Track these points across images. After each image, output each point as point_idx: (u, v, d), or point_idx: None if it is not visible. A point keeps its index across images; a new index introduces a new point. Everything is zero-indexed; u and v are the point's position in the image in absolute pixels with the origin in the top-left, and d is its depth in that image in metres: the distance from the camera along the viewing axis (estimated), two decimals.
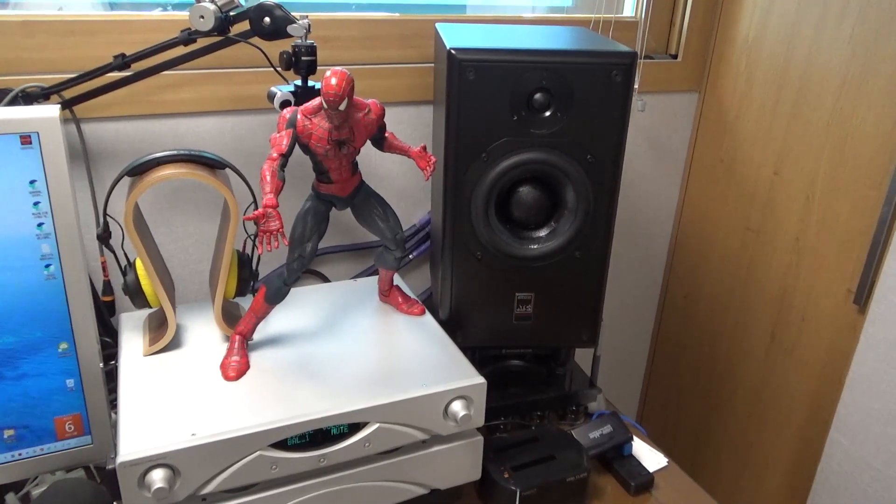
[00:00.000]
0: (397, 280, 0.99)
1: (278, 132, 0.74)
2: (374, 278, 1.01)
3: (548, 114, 0.85)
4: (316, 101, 0.75)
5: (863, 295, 1.05)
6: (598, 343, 0.98)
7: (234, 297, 0.86)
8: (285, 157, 0.73)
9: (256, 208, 0.83)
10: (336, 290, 1.00)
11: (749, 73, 1.21)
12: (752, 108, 1.21)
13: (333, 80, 0.71)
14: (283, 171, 0.73)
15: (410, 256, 1.16)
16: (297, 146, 0.75)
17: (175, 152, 0.78)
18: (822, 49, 1.08)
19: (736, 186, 1.26)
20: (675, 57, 1.28)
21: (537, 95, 0.84)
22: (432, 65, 1.08)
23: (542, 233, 0.92)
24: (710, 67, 1.29)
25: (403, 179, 1.15)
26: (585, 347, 0.99)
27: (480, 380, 0.79)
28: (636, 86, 0.99)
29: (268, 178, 0.71)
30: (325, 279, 1.14)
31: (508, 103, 0.84)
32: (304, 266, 0.81)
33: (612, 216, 0.91)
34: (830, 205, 1.10)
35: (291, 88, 0.89)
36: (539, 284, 0.93)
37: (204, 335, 0.87)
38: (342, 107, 0.72)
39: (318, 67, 0.89)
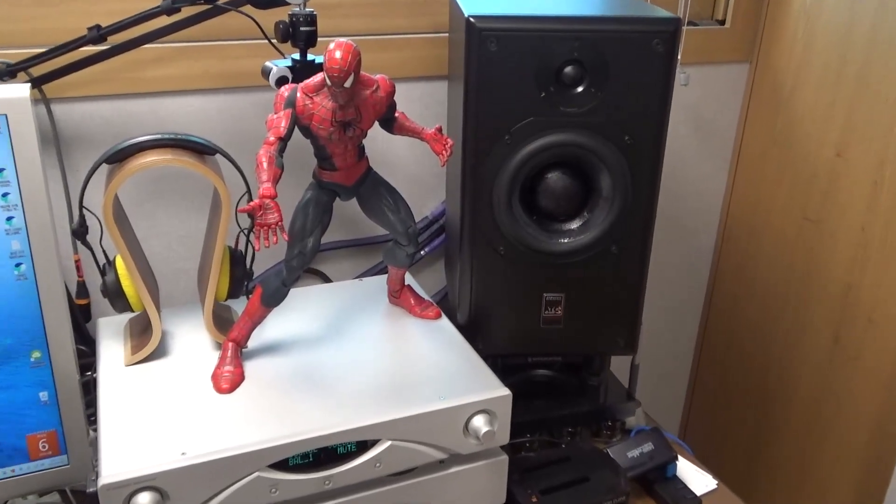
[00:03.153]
0: (409, 279, 0.99)
1: (275, 113, 0.75)
2: (383, 277, 1.02)
3: (580, 89, 0.85)
4: (318, 77, 0.75)
5: None
6: (637, 350, 0.98)
7: (225, 300, 0.87)
8: (284, 140, 0.74)
9: (251, 199, 0.83)
10: (340, 291, 1.00)
11: (807, 40, 1.20)
12: (811, 81, 1.20)
13: (338, 54, 0.71)
14: (282, 156, 0.73)
15: (423, 252, 1.17)
16: (296, 129, 0.76)
17: (159, 136, 0.78)
18: (891, 11, 1.07)
19: (792, 170, 1.26)
20: (723, 23, 1.28)
21: (568, 69, 0.84)
22: (447, 34, 1.08)
23: (574, 225, 0.91)
24: (763, 34, 1.28)
25: (415, 165, 1.15)
26: (622, 355, 0.99)
27: (505, 391, 0.79)
28: (678, 56, 0.98)
29: (264, 164, 0.71)
30: (327, 279, 1.15)
31: (535, 78, 0.84)
32: (306, 264, 0.81)
33: (652, 205, 0.90)
34: None
35: (289, 63, 0.89)
36: (570, 284, 0.92)
37: (192, 342, 0.88)
38: (348, 83, 0.72)
39: (319, 39, 0.89)
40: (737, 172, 1.37)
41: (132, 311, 0.84)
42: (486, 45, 0.82)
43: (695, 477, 0.98)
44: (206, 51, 0.98)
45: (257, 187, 0.71)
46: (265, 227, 0.70)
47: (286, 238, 0.73)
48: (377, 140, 1.10)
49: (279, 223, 0.70)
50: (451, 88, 1.02)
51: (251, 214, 0.70)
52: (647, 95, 0.86)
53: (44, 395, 0.77)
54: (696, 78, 1.28)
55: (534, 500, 0.84)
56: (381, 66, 1.05)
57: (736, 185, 1.38)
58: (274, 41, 0.91)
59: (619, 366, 1.10)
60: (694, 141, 1.33)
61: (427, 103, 1.11)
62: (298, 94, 0.75)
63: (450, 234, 1.08)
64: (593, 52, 0.84)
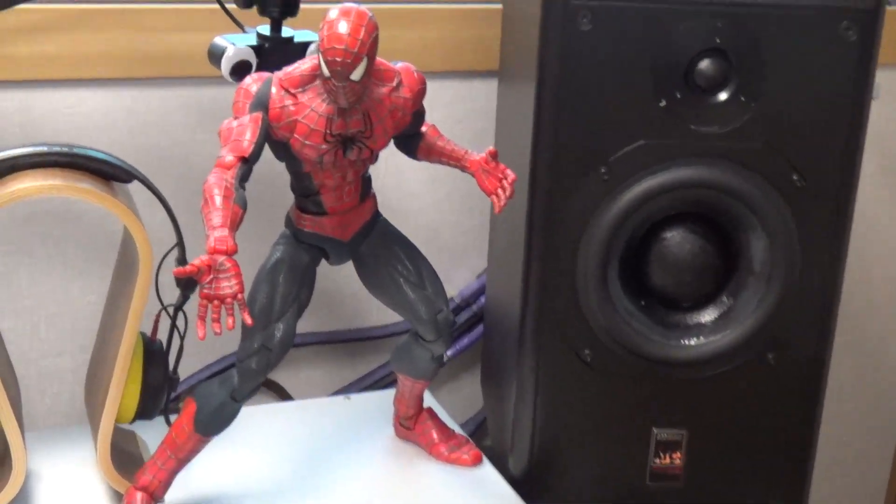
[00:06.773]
0: (429, 399, 0.98)
1: (235, 119, 0.75)
2: (387, 394, 1.01)
3: (723, 97, 0.86)
4: (306, 64, 0.76)
5: None
6: None
7: (132, 422, 0.86)
8: (249, 163, 0.74)
9: (184, 256, 0.83)
10: (312, 415, 1.00)
11: None
12: None
13: (344, 26, 0.71)
14: (244, 188, 0.73)
15: (447, 353, 1.16)
16: (267, 145, 0.76)
17: (42, 149, 0.79)
18: None
19: None
20: None
21: (704, 64, 0.85)
22: (500, 6, 1.10)
23: (707, 316, 0.92)
24: None
25: (435, 213, 1.15)
26: None
27: None
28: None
29: (217, 200, 0.71)
30: (286, 395, 1.14)
31: (651, 77, 0.85)
32: (272, 365, 0.81)
33: (835, 287, 0.91)
34: None
35: (254, 41, 0.90)
36: (697, 413, 0.93)
37: (75, 490, 0.87)
38: (356, 75, 0.72)
39: (303, 4, 0.90)
40: None
41: None
42: (575, 21, 0.83)
43: None
44: (115, 17, 1.00)
45: (204, 236, 0.70)
46: (217, 301, 0.69)
47: (248, 320, 0.72)
48: (381, 168, 1.11)
49: (239, 295, 0.70)
50: (506, 91, 1.03)
51: (191, 280, 0.70)
52: (829, 110, 0.87)
53: None
54: (890, 88, 1.29)
55: None
56: (398, 52, 1.06)
57: None
58: (227, 6, 0.92)
59: None
60: (891, 185, 1.34)
61: (467, 112, 1.13)
62: (274, 90, 0.75)
63: (493, 326, 1.08)
64: (744, 39, 0.85)
